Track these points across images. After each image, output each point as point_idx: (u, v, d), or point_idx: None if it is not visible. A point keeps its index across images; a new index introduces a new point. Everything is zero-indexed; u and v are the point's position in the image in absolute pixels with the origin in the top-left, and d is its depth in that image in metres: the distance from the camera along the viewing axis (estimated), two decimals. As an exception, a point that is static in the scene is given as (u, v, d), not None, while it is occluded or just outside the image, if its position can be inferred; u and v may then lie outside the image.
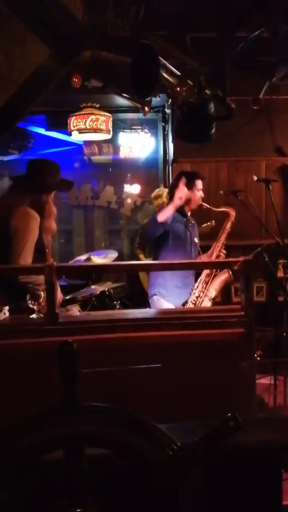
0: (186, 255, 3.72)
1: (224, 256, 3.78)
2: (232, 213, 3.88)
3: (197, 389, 2.15)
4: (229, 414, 0.93)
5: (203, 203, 3.82)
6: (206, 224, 4.03)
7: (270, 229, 3.96)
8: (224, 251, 3.80)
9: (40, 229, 2.98)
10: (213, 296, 3.73)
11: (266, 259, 3.67)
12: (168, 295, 3.66)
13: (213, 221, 3.99)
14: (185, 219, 3.78)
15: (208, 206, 3.83)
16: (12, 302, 2.60)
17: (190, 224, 3.81)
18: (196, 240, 3.84)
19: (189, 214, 3.84)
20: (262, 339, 4.08)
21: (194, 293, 3.69)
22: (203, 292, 3.70)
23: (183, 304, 3.67)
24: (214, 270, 3.74)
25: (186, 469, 0.91)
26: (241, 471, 1.22)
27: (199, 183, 3.79)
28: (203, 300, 3.67)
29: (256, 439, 1.23)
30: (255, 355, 2.59)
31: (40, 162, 3.28)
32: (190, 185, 3.74)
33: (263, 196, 4.74)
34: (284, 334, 3.90)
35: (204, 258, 3.87)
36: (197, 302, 3.66)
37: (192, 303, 3.66)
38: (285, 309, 3.98)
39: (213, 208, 3.88)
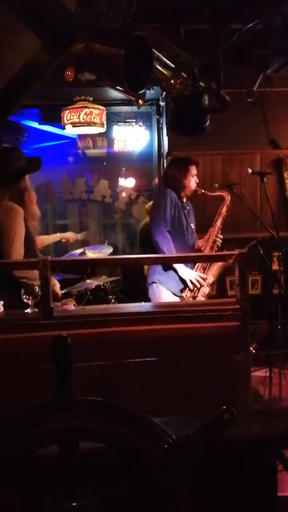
0: (183, 241, 3.73)
1: (220, 241, 3.80)
2: (227, 197, 3.90)
3: (192, 382, 2.15)
4: (224, 407, 0.93)
5: (198, 188, 3.84)
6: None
7: (264, 222, 3.96)
8: (221, 236, 3.82)
9: (24, 219, 3.00)
10: (211, 282, 3.75)
11: (261, 252, 3.67)
12: (167, 282, 3.68)
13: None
14: (180, 205, 3.78)
15: (203, 191, 3.86)
16: (6, 297, 2.60)
17: (185, 210, 3.82)
18: (192, 226, 3.85)
19: (184, 200, 3.84)
20: (257, 332, 4.09)
21: None
22: (203, 278, 3.71)
23: (181, 291, 3.68)
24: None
25: (181, 462, 0.91)
26: (236, 463, 1.22)
27: (193, 169, 3.79)
28: (201, 286, 3.68)
29: (251, 432, 1.23)
30: (250, 347, 2.59)
31: (1, 155, 3.30)
32: (184, 171, 3.75)
33: (258, 189, 4.74)
34: (279, 326, 3.91)
35: (200, 243, 3.88)
36: (195, 288, 3.67)
37: (190, 290, 3.67)
38: (280, 301, 3.98)
39: (208, 193, 3.91)
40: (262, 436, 1.24)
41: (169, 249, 3.55)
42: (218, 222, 3.85)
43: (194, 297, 3.67)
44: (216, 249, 3.81)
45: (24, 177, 3.05)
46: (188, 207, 3.87)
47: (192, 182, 3.79)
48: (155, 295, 3.70)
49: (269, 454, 1.26)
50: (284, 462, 1.29)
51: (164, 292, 3.68)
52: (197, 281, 3.64)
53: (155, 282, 3.71)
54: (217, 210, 3.93)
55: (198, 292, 3.67)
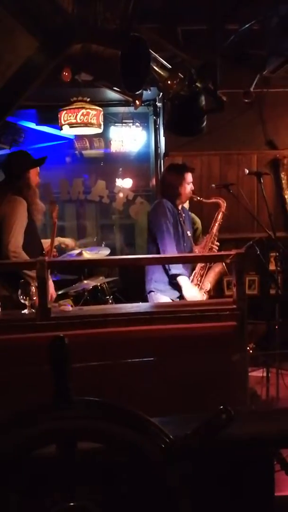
0: (178, 249, 3.72)
1: (216, 248, 3.79)
2: (223, 203, 3.88)
3: (190, 382, 2.15)
4: (222, 407, 0.94)
5: (194, 196, 3.82)
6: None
7: (261, 222, 3.96)
8: (217, 243, 3.80)
9: (29, 212, 3.14)
10: (208, 289, 3.73)
11: (258, 252, 3.67)
12: (165, 290, 3.67)
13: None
14: (176, 213, 3.78)
15: (199, 198, 3.85)
16: (5, 291, 2.64)
17: (181, 218, 3.81)
18: (188, 233, 3.84)
19: (180, 207, 3.84)
20: (255, 332, 4.09)
21: None
22: (198, 285, 3.71)
23: (179, 298, 3.68)
24: (208, 263, 3.74)
25: (178, 462, 0.91)
26: (234, 463, 1.23)
27: (188, 176, 3.76)
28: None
29: (249, 431, 1.23)
30: (248, 348, 2.60)
31: (6, 159, 3.48)
32: (179, 179, 3.74)
33: (255, 189, 4.74)
34: (276, 327, 3.91)
35: (197, 249, 3.87)
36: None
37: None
38: (277, 302, 3.99)
39: (204, 200, 3.88)
40: (260, 436, 1.24)
41: (179, 267, 3.53)
42: (214, 229, 3.82)
43: None
44: None
45: (26, 175, 3.21)
46: (184, 214, 3.86)
47: (188, 189, 3.74)
48: (154, 302, 3.70)
49: (266, 454, 1.26)
50: (281, 462, 1.29)
51: (163, 299, 3.67)
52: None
53: (152, 291, 3.71)
54: (213, 216, 3.92)
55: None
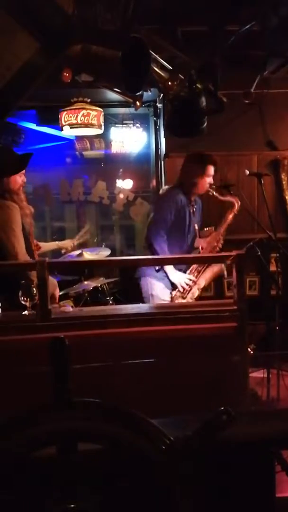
0: (182, 240, 3.69)
1: (220, 247, 3.74)
2: (237, 204, 3.75)
3: (190, 383, 2.15)
4: (222, 408, 0.93)
5: (210, 190, 3.69)
6: (206, 229, 3.94)
7: (262, 223, 3.96)
8: (222, 242, 3.76)
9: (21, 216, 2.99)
10: (201, 286, 3.70)
11: (259, 253, 3.67)
12: (161, 277, 3.67)
13: (213, 227, 3.89)
14: (186, 204, 3.69)
15: (215, 194, 3.70)
16: (5, 296, 2.60)
17: (192, 210, 3.74)
18: (196, 226, 3.78)
19: (193, 198, 3.74)
20: (255, 333, 4.08)
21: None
22: (193, 281, 3.69)
23: (173, 289, 3.67)
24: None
25: (179, 463, 0.91)
26: (234, 464, 1.22)
27: (210, 169, 3.64)
28: (191, 288, 3.65)
29: (249, 432, 1.23)
30: (248, 348, 2.59)
31: None
32: (200, 170, 3.62)
33: (255, 190, 4.74)
34: (277, 327, 3.91)
35: (201, 243, 3.82)
36: (185, 290, 3.65)
37: (180, 291, 3.65)
38: (278, 302, 3.98)
39: (219, 197, 3.74)
40: (260, 437, 1.24)
41: (164, 254, 3.55)
42: (222, 229, 3.74)
43: (183, 297, 3.65)
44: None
45: (3, 180, 2.99)
46: (196, 206, 3.77)
47: (206, 182, 3.64)
48: (148, 286, 3.68)
49: (267, 455, 1.26)
50: (282, 463, 1.29)
51: (157, 285, 3.66)
52: (187, 284, 3.62)
53: (148, 276, 3.69)
54: (212, 213, 3.88)
55: (187, 294, 3.65)
